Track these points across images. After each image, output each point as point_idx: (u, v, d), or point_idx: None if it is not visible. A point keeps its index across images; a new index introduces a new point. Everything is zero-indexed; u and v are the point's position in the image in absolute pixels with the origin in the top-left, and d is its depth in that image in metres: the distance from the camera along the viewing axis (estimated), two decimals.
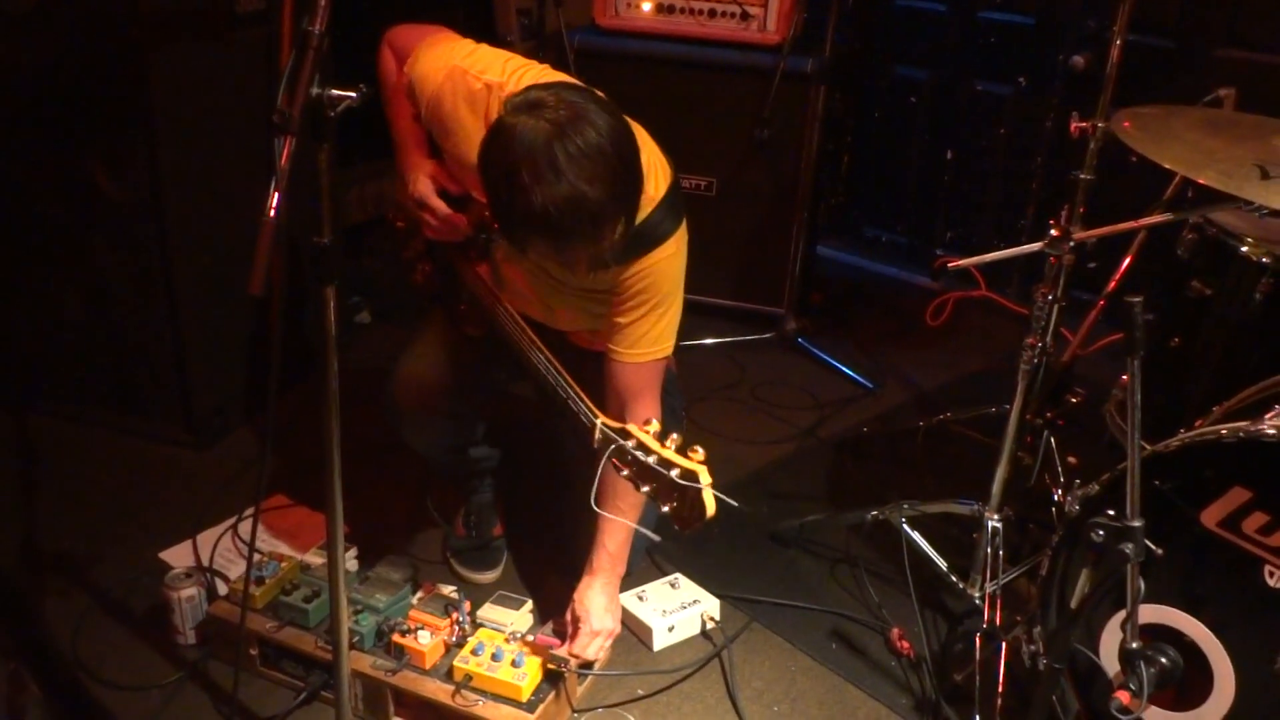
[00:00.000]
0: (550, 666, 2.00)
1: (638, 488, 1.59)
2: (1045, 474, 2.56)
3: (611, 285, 1.97)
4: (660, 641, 2.25)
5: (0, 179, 2.73)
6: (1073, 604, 1.77)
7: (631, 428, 1.63)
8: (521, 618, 2.20)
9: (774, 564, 2.51)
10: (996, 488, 2.23)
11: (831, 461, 2.95)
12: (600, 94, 1.77)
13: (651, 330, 2.00)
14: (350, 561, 2.34)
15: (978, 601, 2.21)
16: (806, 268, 3.60)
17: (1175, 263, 2.26)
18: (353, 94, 1.39)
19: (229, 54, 2.68)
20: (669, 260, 1.97)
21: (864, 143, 4.23)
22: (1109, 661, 1.83)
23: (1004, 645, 2.09)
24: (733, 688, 2.15)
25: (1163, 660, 1.70)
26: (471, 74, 1.94)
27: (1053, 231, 2.03)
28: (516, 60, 1.99)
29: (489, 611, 2.20)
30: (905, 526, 2.36)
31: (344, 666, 1.74)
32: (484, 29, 3.76)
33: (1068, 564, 1.88)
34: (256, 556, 2.10)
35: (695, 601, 2.30)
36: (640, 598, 2.31)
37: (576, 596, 2.12)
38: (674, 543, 2.48)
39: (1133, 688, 1.61)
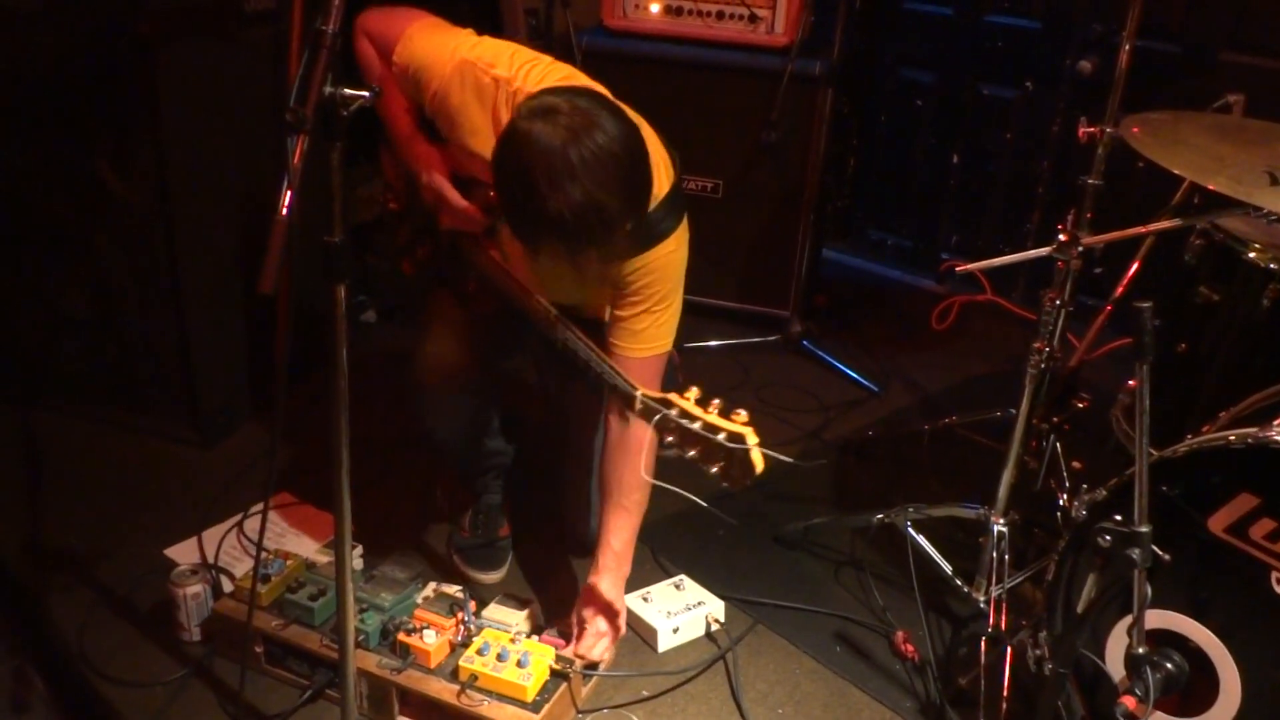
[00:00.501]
0: (555, 667, 2.00)
1: (684, 453, 1.66)
2: (1051, 479, 2.56)
3: (613, 280, 1.98)
4: (665, 643, 2.25)
5: (7, 176, 2.73)
6: (1079, 609, 1.77)
7: (673, 396, 1.69)
8: (526, 618, 2.20)
9: (779, 566, 2.51)
10: (1002, 492, 2.23)
11: (836, 464, 2.95)
12: (608, 95, 1.79)
13: (652, 326, 2.02)
14: (356, 560, 2.34)
15: (983, 605, 2.21)
16: (812, 270, 3.61)
17: (1183, 268, 2.25)
18: (365, 94, 1.40)
19: (237, 52, 2.69)
20: (670, 256, 2.00)
21: (870, 146, 4.23)
22: (1115, 667, 1.83)
23: (1009, 650, 2.09)
24: (737, 690, 2.15)
25: (1169, 666, 1.71)
26: (480, 66, 1.94)
27: (1061, 236, 2.04)
28: (522, 53, 1.99)
29: (494, 611, 2.20)
30: (910, 530, 2.36)
31: (349, 665, 1.74)
32: (491, 30, 3.76)
33: (1074, 569, 1.88)
34: (262, 554, 2.10)
35: (700, 603, 2.30)
36: (645, 599, 2.31)
37: (582, 597, 2.13)
38: (679, 544, 2.48)
39: (1138, 693, 1.61)
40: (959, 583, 2.28)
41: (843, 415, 3.18)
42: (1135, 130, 2.01)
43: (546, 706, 1.94)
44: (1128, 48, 2.40)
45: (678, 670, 2.19)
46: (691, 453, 1.65)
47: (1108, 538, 1.55)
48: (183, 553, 2.43)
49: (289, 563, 2.19)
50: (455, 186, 2.08)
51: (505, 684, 1.95)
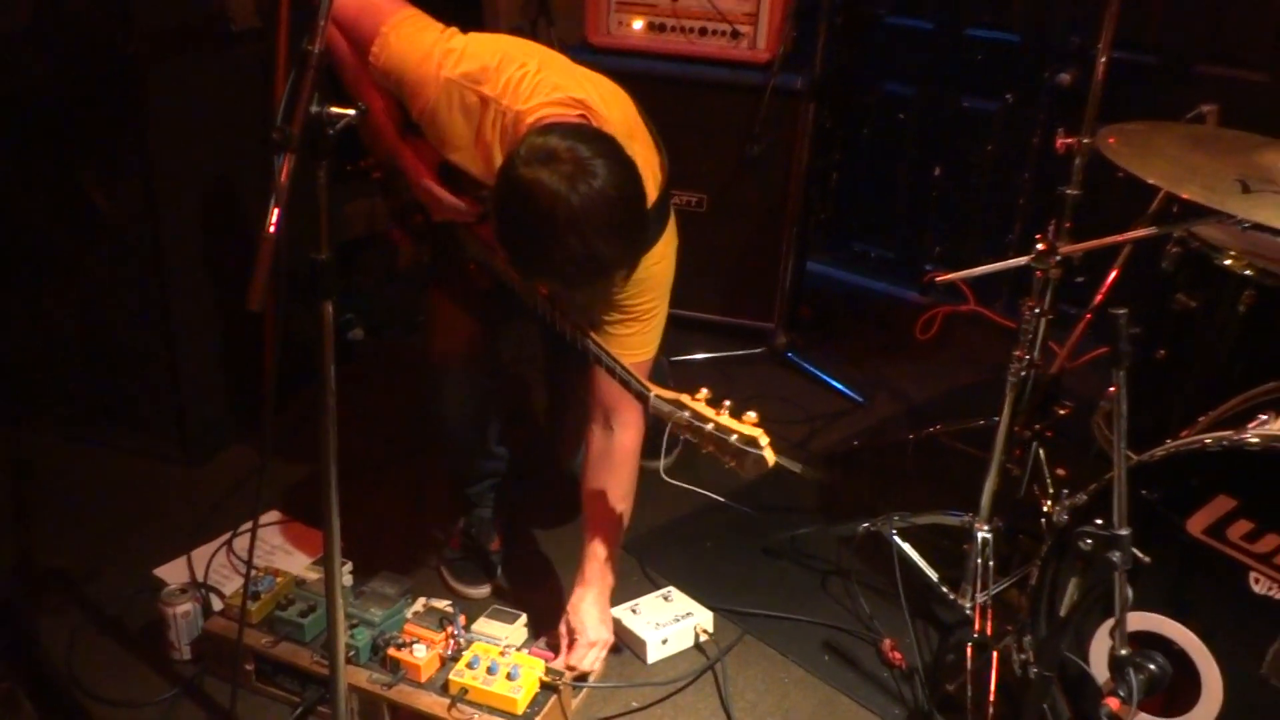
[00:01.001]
0: (545, 680, 2.01)
1: (701, 449, 1.77)
2: (1034, 485, 2.58)
3: (601, 292, 2.01)
4: (654, 654, 2.26)
5: None
6: (1062, 612, 1.79)
7: (685, 398, 1.79)
8: (516, 631, 2.21)
9: (766, 576, 2.53)
10: (986, 499, 2.25)
11: (823, 474, 2.97)
12: (603, 130, 1.84)
13: (638, 334, 2.06)
14: (346, 576, 2.35)
15: (968, 612, 2.23)
16: (796, 282, 3.63)
17: (1160, 276, 2.29)
18: (351, 112, 1.42)
19: (224, 70, 2.71)
20: (656, 268, 2.03)
21: (853, 158, 4.25)
22: (1099, 669, 1.85)
23: (995, 655, 2.11)
24: (726, 700, 2.16)
25: (1151, 667, 1.73)
26: (467, 85, 1.93)
27: (1039, 246, 2.07)
28: (509, 57, 1.95)
29: (484, 625, 2.21)
30: (896, 538, 2.38)
31: (340, 681, 1.75)
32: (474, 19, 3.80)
33: (1057, 573, 1.90)
34: (252, 572, 2.11)
35: (688, 614, 2.32)
36: (634, 611, 2.32)
37: (570, 608, 2.14)
38: (667, 556, 2.50)
39: (1122, 694, 1.63)
40: (945, 590, 2.30)
41: (828, 426, 3.20)
42: (1111, 141, 2.05)
43: (537, 719, 1.95)
44: (1104, 60, 2.44)
45: (667, 681, 2.20)
46: (706, 449, 1.77)
47: (1089, 541, 1.58)
48: (172, 572, 2.43)
49: (279, 580, 2.20)
50: (444, 175, 2.08)
51: (496, 697, 1.96)
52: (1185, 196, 1.82)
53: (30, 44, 2.54)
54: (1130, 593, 1.60)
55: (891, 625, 2.33)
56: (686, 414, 1.77)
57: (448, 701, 1.97)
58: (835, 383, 3.41)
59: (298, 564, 2.42)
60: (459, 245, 2.19)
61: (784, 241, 3.48)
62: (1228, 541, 1.67)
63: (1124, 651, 1.63)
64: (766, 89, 3.28)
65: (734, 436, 1.73)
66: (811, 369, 3.48)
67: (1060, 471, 2.60)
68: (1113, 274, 2.69)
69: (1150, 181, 1.88)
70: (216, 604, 2.27)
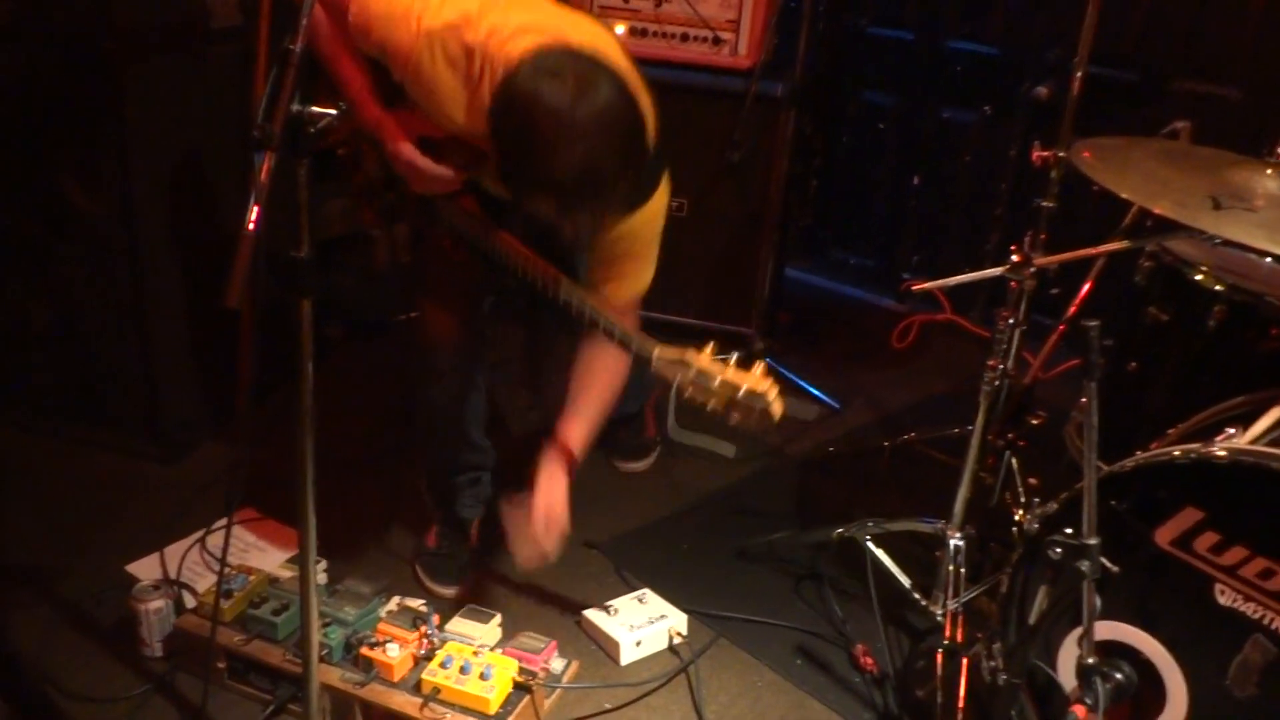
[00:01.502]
0: (519, 680, 2.01)
1: (704, 406, 1.73)
2: (1007, 494, 2.60)
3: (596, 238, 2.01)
4: (627, 656, 2.27)
5: None
6: (1031, 620, 1.81)
7: (690, 355, 1.75)
8: (490, 631, 2.21)
9: (741, 580, 2.54)
10: (958, 507, 2.28)
11: (799, 480, 2.99)
12: (602, 53, 1.79)
13: (634, 270, 2.09)
14: (320, 574, 2.34)
15: (940, 619, 2.25)
16: (775, 289, 3.65)
17: (1133, 289, 2.31)
18: (332, 111, 1.42)
19: (203, 69, 2.69)
20: (652, 215, 2.05)
21: (833, 166, 4.28)
22: (1066, 677, 1.87)
23: (965, 661, 2.13)
24: (699, 702, 2.17)
25: (1118, 676, 1.75)
26: (448, 35, 1.88)
27: (1014, 257, 2.09)
28: (490, 6, 1.91)
29: (458, 625, 2.21)
30: (870, 544, 2.40)
31: (313, 679, 1.75)
32: None
33: (1027, 581, 1.92)
34: (225, 569, 2.10)
35: (663, 616, 2.33)
36: (608, 612, 2.33)
37: (535, 488, 2.05)
38: (642, 558, 2.51)
39: (1089, 702, 1.65)
40: (917, 596, 2.31)
41: (805, 431, 3.22)
42: (1086, 155, 2.07)
43: (509, 719, 1.96)
44: (1080, 74, 2.47)
45: (640, 682, 2.21)
46: (710, 405, 1.72)
47: (1058, 550, 1.60)
48: (145, 568, 2.42)
49: (252, 578, 2.19)
50: (424, 148, 2.03)
51: (468, 697, 1.96)
52: (1157, 211, 1.84)
53: (8, 40, 2.52)
54: (1098, 602, 1.62)
55: (864, 630, 2.35)
56: (692, 372, 1.74)
57: (420, 701, 1.97)
58: (812, 389, 3.43)
59: (272, 561, 2.41)
60: (434, 219, 2.15)
61: (763, 247, 3.50)
62: (1194, 553, 1.69)
63: (1091, 660, 1.64)
64: (747, 95, 3.29)
65: (741, 390, 1.70)
66: (789, 374, 3.49)
67: (1032, 480, 2.62)
68: (1086, 286, 2.72)
69: (1123, 196, 1.90)
70: (189, 601, 2.26)
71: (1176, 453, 1.73)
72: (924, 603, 2.29)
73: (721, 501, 2.84)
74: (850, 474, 3.02)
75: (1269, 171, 1.97)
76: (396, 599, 2.21)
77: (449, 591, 2.43)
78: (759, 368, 1.72)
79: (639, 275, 2.13)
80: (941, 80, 3.94)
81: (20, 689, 2.11)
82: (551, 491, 2.01)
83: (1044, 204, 2.49)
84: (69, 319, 2.77)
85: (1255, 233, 1.78)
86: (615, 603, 2.36)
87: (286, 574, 2.27)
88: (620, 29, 3.42)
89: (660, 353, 1.79)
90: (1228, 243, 2.01)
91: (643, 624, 2.30)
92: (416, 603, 2.19)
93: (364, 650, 2.03)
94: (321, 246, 3.42)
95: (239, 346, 2.91)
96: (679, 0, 3.36)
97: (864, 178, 4.22)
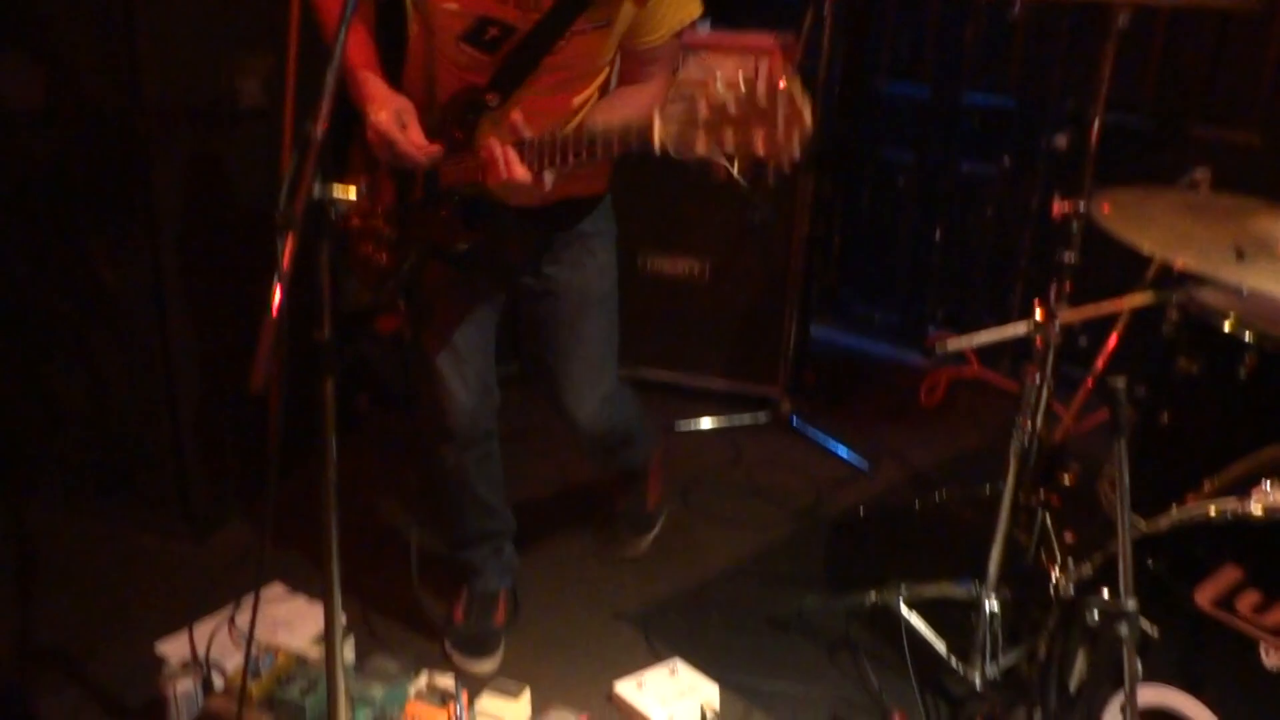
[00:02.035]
0: None
1: (723, 147, 1.55)
2: (1042, 552, 2.56)
3: None
4: None
5: (3, 270, 2.77)
6: (1072, 685, 1.77)
7: (695, 93, 1.56)
8: (520, 707, 2.19)
9: (773, 648, 2.50)
10: (992, 568, 2.24)
11: (829, 543, 2.95)
12: None
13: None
14: (347, 653, 2.33)
15: (978, 685, 2.20)
16: (800, 348, 3.64)
17: (1162, 340, 2.29)
18: (352, 194, 1.44)
19: (231, 147, 2.74)
20: None
21: (854, 224, 4.30)
22: None
23: None
24: None
25: None
26: None
27: (1038, 314, 2.07)
28: None
29: (487, 702, 2.18)
30: (903, 609, 2.36)
31: None
32: None
33: (1066, 646, 1.88)
34: (253, 648, 2.09)
35: (694, 690, 2.29)
36: (639, 686, 2.29)
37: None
38: (672, 627, 2.48)
39: None
40: (954, 661, 2.27)
41: (834, 493, 3.19)
42: (1106, 209, 2.06)
43: None
44: (1097, 123, 2.47)
45: None
46: (731, 141, 1.53)
47: (1095, 614, 1.57)
48: (174, 647, 2.41)
49: (279, 657, 2.18)
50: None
51: None
52: (1180, 264, 1.82)
53: (42, 124, 2.59)
54: (1140, 666, 1.59)
55: (901, 698, 2.30)
56: (702, 114, 1.55)
57: None
58: (840, 449, 3.40)
59: (301, 637, 2.40)
60: (440, 195, 2.02)
61: (787, 307, 3.50)
62: (1236, 613, 1.65)
63: None
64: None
65: (760, 90, 1.49)
66: (817, 435, 3.47)
67: (1069, 537, 2.58)
68: (1113, 339, 2.69)
69: (1145, 250, 1.88)
70: (218, 681, 2.25)
71: (1212, 511, 1.70)
72: (961, 669, 2.24)
73: (750, 567, 2.81)
74: (881, 536, 2.98)
75: None
76: (425, 674, 2.19)
77: (478, 667, 2.40)
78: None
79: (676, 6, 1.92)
80: (959, 134, 3.96)
81: None
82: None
83: (1067, 257, 2.47)
84: (99, 398, 2.80)
85: None
86: (646, 675, 2.33)
87: (314, 652, 2.25)
88: None
89: (661, 123, 1.61)
90: (1255, 291, 1.99)
91: (674, 699, 2.25)
92: (445, 678, 2.16)
93: None
94: (346, 318, 3.46)
95: (266, 424, 2.92)
96: (695, 65, 3.39)
97: (885, 234, 4.23)
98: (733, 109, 1.52)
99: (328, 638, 1.64)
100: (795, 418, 3.53)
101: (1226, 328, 2.08)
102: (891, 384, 3.98)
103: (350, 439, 3.28)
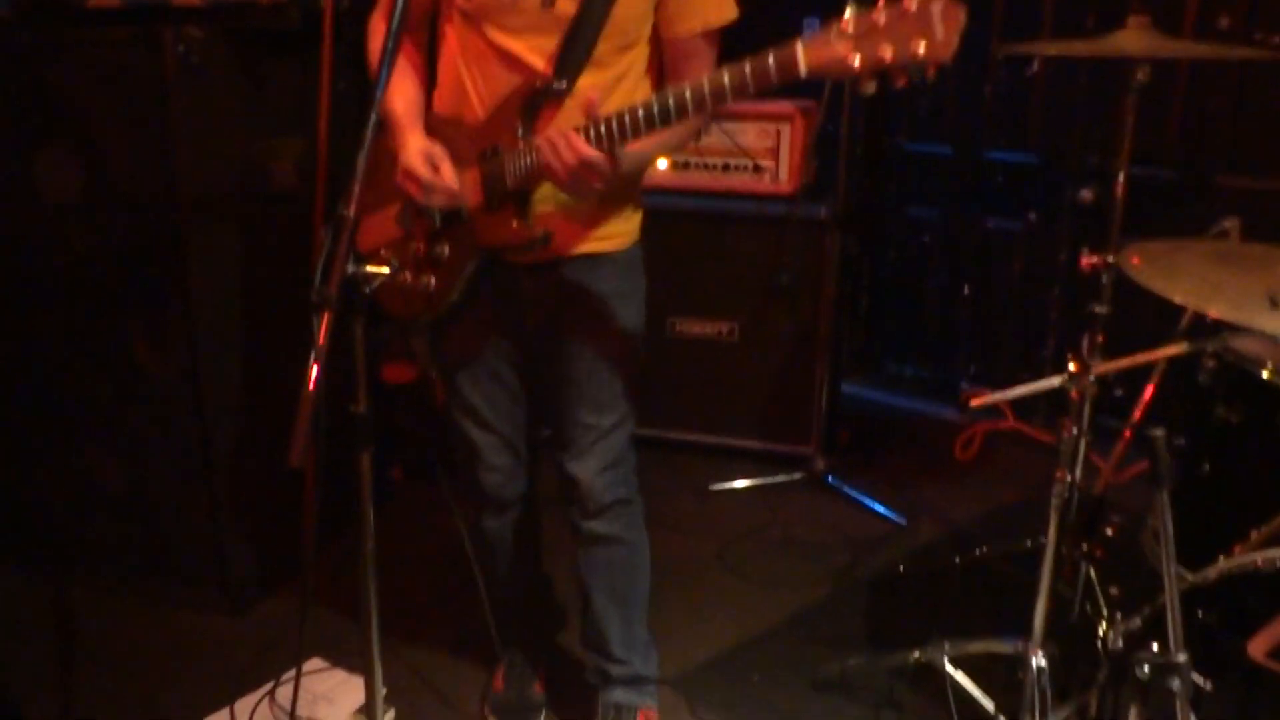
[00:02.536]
0: None
1: (882, 60, 1.48)
2: (1088, 606, 2.52)
3: None
4: None
5: (43, 356, 2.83)
6: None
7: (831, 21, 1.52)
8: None
9: (817, 712, 2.46)
10: (1038, 624, 2.20)
11: (869, 602, 2.92)
12: None
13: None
14: None
15: None
16: (832, 406, 3.63)
17: (1198, 389, 2.27)
18: (385, 270, 1.47)
19: (265, 230, 2.80)
20: None
21: (882, 281, 4.31)
22: None
23: None
24: None
25: None
26: None
27: (1071, 367, 2.06)
28: None
29: None
30: (949, 667, 2.32)
31: None
32: None
33: (1116, 701, 1.84)
34: None
35: None
36: None
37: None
38: (714, 692, 2.45)
39: None
40: None
41: (872, 551, 3.16)
42: (1135, 261, 2.06)
43: None
44: (1121, 177, 2.48)
45: None
46: (888, 55, 1.47)
47: (1145, 669, 1.54)
48: None
49: None
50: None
51: None
52: (1213, 315, 1.82)
53: (82, 216, 2.65)
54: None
55: None
56: (846, 27, 1.50)
57: None
58: (877, 505, 3.38)
59: (341, 713, 2.39)
60: (474, 247, 2.01)
61: (818, 366, 3.50)
62: None
63: None
64: (790, 220, 3.34)
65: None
66: (852, 492, 3.45)
67: (1114, 590, 2.54)
68: (1149, 390, 2.67)
69: (1177, 301, 1.88)
70: None
71: (1260, 561, 1.67)
72: None
73: (790, 629, 2.78)
74: (922, 593, 2.94)
75: None
76: None
77: None
78: None
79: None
80: (983, 191, 3.98)
81: None
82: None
83: (1098, 309, 2.47)
84: (138, 478, 2.84)
85: None
86: None
87: None
88: (663, 163, 3.52)
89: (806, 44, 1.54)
90: None
91: None
92: None
93: None
94: (381, 390, 3.51)
95: (303, 498, 2.95)
96: (718, 132, 3.45)
97: (914, 291, 4.24)
98: (882, 20, 1.48)
99: (369, 710, 1.64)
100: (830, 476, 3.51)
101: (1265, 375, 2.07)
102: (926, 440, 3.96)
103: (385, 510, 3.30)
